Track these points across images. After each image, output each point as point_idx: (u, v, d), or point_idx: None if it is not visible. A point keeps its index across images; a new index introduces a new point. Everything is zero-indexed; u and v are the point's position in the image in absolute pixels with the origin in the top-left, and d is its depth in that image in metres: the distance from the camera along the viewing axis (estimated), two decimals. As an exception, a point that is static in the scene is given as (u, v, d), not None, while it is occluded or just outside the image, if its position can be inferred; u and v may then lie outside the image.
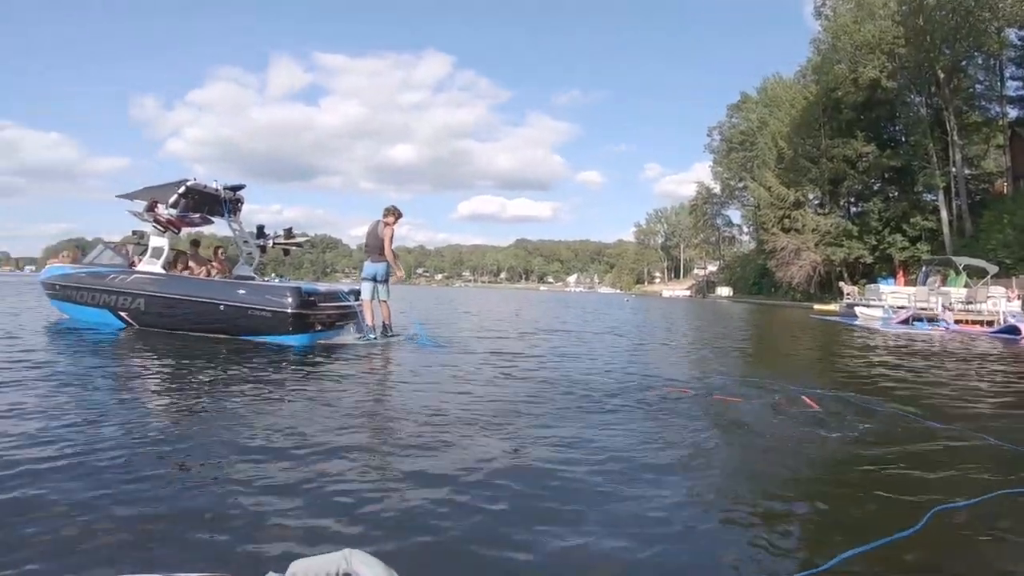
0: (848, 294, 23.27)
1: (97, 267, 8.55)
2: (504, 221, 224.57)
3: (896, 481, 2.73)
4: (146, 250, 8.23)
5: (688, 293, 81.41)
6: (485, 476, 2.61)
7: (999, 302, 15.91)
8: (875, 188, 41.62)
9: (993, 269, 17.14)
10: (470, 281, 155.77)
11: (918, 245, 35.79)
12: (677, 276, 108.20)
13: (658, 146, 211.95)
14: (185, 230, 8.97)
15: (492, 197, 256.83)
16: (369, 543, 1.82)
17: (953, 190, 34.48)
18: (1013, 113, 34.16)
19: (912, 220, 36.55)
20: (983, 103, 35.45)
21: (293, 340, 7.25)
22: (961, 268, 17.81)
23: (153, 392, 4.53)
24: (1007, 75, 33.92)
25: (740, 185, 62.54)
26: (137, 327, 8.01)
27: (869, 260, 39.16)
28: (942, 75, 33.28)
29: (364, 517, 2.17)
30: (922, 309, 16.45)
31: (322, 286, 8.78)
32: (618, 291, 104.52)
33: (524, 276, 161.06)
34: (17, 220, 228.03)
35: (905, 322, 15.80)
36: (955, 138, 33.60)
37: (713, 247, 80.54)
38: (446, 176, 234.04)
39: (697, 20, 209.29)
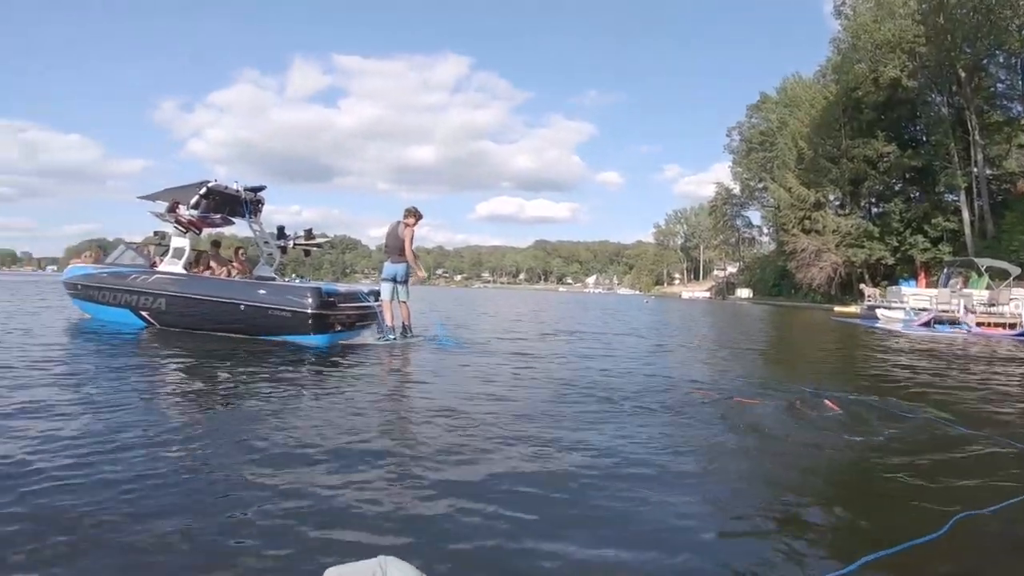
0: (869, 296, 22.99)
1: (119, 267, 8.69)
2: (523, 222, 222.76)
3: (919, 487, 2.71)
4: (167, 250, 8.35)
5: (708, 295, 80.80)
6: (510, 483, 2.61)
7: (1021, 304, 15.62)
8: (896, 189, 41.13)
9: (1016, 271, 16.81)
10: (489, 282, 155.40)
11: (940, 246, 35.31)
12: (697, 277, 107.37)
13: (677, 146, 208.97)
14: (206, 231, 9.06)
15: (511, 198, 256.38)
16: (398, 551, 1.82)
17: (975, 190, 33.96)
18: (1034, 112, 33.58)
19: (933, 221, 36.09)
20: (1005, 102, 34.94)
21: (313, 340, 7.30)
22: (983, 269, 17.50)
23: (174, 393, 4.57)
24: (1030, 74, 33.29)
25: (760, 186, 62.07)
26: (158, 327, 8.12)
27: (890, 261, 38.68)
28: (963, 74, 32.73)
29: (392, 524, 2.17)
30: (944, 311, 16.20)
31: (342, 287, 8.85)
32: (637, 292, 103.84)
33: (543, 277, 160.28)
34: (40, 221, 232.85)
35: (927, 324, 15.58)
36: (976, 138, 33.07)
37: (733, 248, 79.95)
38: (464, 177, 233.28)
39: (715, 20, 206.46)
